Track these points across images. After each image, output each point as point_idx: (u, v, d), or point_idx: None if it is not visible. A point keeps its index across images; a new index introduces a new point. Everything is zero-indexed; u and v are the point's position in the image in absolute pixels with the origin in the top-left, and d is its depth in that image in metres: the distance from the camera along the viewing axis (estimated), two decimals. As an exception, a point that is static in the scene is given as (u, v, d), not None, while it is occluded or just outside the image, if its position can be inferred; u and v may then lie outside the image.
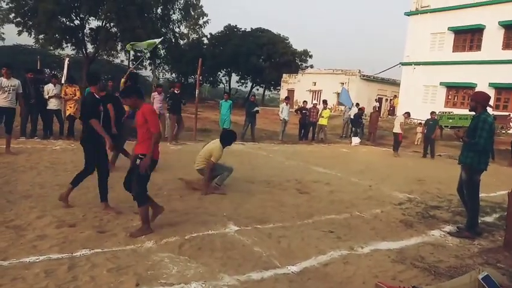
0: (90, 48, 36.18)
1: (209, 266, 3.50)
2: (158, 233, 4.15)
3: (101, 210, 4.72)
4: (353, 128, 17.87)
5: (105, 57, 38.67)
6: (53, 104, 10.08)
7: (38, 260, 3.34)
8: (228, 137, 6.37)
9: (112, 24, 33.66)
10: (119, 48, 36.46)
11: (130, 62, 39.14)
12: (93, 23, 34.99)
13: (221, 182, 6.23)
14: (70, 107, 10.28)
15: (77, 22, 33.64)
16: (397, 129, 13.96)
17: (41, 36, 32.21)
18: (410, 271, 3.76)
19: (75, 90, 10.43)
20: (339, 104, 31.14)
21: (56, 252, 3.51)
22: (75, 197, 5.20)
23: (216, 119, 13.97)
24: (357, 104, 18.76)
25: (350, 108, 18.74)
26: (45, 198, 5.04)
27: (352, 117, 18.21)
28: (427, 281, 3.53)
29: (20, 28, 30.92)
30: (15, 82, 7.91)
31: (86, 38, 35.06)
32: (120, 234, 4.07)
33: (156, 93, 11.64)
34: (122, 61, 42.67)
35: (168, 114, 11.72)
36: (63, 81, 11.36)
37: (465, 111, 20.94)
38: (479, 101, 4.98)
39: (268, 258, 3.79)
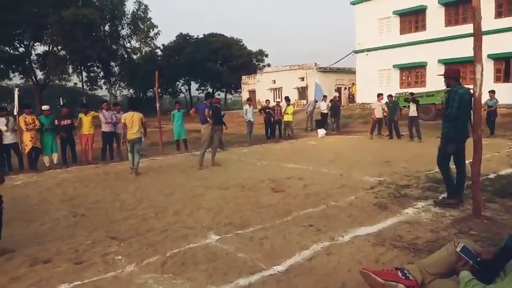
0: (40, 74, 34.89)
1: (195, 280, 3.45)
2: (138, 255, 4.05)
3: (75, 242, 4.55)
4: (332, 119, 18.29)
5: (57, 82, 37.39)
6: (8, 138, 9.61)
7: (14, 304, 3.18)
8: (134, 103, 8.90)
9: (60, 47, 32.61)
10: (70, 71, 35.35)
11: (85, 84, 38.10)
12: (40, 48, 33.76)
13: None
14: (32, 137, 9.79)
15: (22, 50, 32.34)
16: (379, 114, 14.84)
17: (-16, 68, 30.76)
18: (391, 252, 3.87)
19: (33, 119, 9.93)
20: (301, 98, 31.65)
21: (32, 293, 3.35)
22: (46, 231, 4.99)
23: (181, 130, 13.69)
24: (325, 96, 19.08)
25: (317, 102, 19.12)
26: (12, 238, 4.79)
27: (323, 111, 18.48)
28: (408, 258, 3.65)
29: (-41, 63, 29.44)
30: None
31: (33, 65, 33.78)
32: (98, 262, 3.93)
33: (115, 111, 11.37)
34: (76, 83, 41.46)
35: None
36: (15, 113, 10.83)
37: (420, 90, 21.81)
38: (450, 76, 5.36)
39: (253, 262, 3.79)
